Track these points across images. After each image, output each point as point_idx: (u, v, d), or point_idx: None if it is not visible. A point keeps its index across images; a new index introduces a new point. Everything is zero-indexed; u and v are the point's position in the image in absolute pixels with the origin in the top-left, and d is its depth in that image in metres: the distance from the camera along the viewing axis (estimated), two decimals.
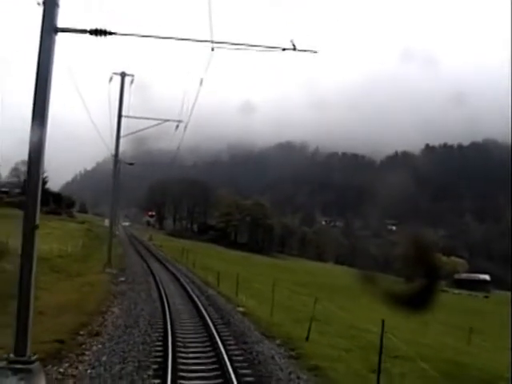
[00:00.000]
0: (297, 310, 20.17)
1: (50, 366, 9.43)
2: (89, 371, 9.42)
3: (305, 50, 9.37)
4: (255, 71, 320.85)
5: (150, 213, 77.86)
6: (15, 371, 7.69)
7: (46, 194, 67.49)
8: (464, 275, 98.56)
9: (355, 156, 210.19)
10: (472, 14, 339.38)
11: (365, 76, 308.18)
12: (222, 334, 12.44)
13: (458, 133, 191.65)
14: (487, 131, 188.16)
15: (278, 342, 12.90)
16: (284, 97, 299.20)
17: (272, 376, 9.36)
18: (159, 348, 10.70)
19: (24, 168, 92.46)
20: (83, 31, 9.03)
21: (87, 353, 10.60)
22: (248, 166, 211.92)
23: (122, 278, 23.77)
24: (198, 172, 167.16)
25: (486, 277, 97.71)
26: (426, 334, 21.64)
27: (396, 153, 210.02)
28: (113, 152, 27.62)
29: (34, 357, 8.06)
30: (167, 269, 30.74)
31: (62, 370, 9.41)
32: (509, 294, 76.25)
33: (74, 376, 9.25)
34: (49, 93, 8.37)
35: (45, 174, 68.81)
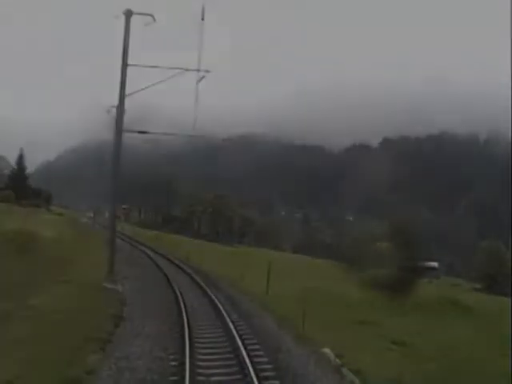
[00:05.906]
0: (241, 274, 31.08)
1: None
2: (132, 289, 19.90)
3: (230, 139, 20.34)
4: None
5: (123, 206, 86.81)
6: (109, 280, 18.10)
7: (28, 188, 74.31)
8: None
9: (315, 148, 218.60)
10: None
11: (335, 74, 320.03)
12: (195, 275, 23.39)
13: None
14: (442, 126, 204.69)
15: (226, 282, 23.78)
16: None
17: (219, 286, 20.37)
18: (165, 279, 21.37)
19: None
20: (134, 131, 19.33)
21: (127, 283, 21.01)
22: (209, 158, 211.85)
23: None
24: (161, 165, 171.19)
25: (435, 264, 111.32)
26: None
27: (354, 145, 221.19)
28: None
29: (115, 276, 18.63)
30: (150, 248, 40.94)
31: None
32: (457, 279, 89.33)
33: (126, 289, 19.72)
34: (119, 165, 18.70)
35: (27, 171, 76.42)
